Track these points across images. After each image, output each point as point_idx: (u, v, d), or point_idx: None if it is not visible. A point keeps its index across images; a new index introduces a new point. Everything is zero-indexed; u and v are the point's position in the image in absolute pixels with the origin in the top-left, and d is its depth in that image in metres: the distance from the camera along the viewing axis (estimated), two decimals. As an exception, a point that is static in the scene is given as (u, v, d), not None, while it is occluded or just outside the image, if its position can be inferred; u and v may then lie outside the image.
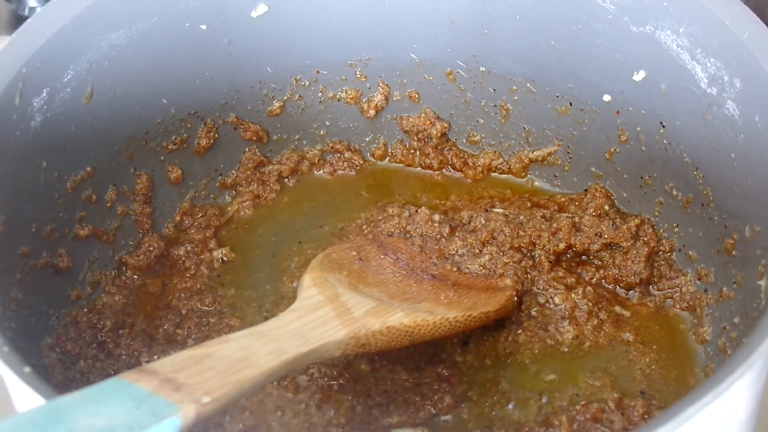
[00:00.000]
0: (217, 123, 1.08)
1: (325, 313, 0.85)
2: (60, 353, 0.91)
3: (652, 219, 1.03)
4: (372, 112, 1.12)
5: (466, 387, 0.92)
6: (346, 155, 1.13)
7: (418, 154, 1.13)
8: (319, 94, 1.11)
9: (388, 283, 0.96)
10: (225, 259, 1.04)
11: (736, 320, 0.90)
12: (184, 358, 0.71)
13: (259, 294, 1.01)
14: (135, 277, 1.02)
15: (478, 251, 1.01)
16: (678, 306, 0.99)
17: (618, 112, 1.01)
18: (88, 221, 0.97)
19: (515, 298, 0.97)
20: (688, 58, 0.92)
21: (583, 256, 1.02)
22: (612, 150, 1.04)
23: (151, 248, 1.03)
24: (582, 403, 0.89)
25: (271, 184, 1.11)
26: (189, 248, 1.04)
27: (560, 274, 1.00)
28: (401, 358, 0.94)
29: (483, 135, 1.11)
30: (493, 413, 0.90)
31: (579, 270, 1.01)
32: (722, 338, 0.92)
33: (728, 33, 0.87)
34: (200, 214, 1.08)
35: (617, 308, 0.99)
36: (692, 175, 0.96)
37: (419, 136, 1.12)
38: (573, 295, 0.97)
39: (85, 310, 0.96)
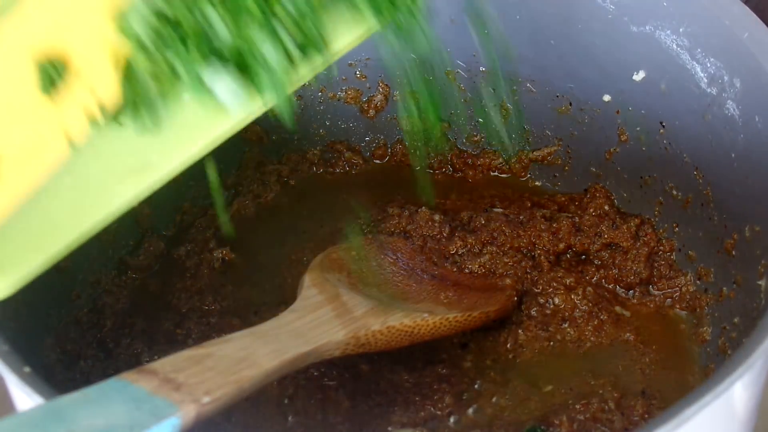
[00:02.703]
0: (217, 123, 1.07)
1: (325, 313, 0.85)
2: (60, 353, 0.91)
3: (652, 219, 1.02)
4: (372, 112, 1.12)
5: (466, 387, 0.92)
6: (346, 155, 1.13)
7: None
8: (319, 94, 1.11)
9: (388, 283, 0.96)
10: (225, 259, 1.03)
11: (736, 320, 0.90)
12: (185, 358, 0.71)
13: (260, 293, 1.01)
14: (135, 277, 1.02)
15: (478, 251, 1.01)
16: (678, 306, 0.99)
17: (618, 112, 1.01)
18: (88, 221, 0.97)
19: (515, 298, 0.97)
20: (688, 58, 0.92)
21: (583, 256, 1.02)
22: (612, 150, 1.04)
23: (151, 248, 1.03)
24: (582, 402, 0.89)
25: (271, 184, 1.11)
26: (189, 248, 1.04)
27: (560, 274, 1.00)
28: (401, 358, 0.93)
29: (483, 135, 1.11)
30: (493, 413, 0.90)
31: (579, 270, 1.01)
32: (722, 338, 0.92)
33: (728, 33, 0.87)
34: (200, 214, 1.08)
35: (617, 308, 0.99)
36: (692, 175, 0.96)
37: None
38: (573, 296, 0.97)
39: (86, 309, 0.96)
